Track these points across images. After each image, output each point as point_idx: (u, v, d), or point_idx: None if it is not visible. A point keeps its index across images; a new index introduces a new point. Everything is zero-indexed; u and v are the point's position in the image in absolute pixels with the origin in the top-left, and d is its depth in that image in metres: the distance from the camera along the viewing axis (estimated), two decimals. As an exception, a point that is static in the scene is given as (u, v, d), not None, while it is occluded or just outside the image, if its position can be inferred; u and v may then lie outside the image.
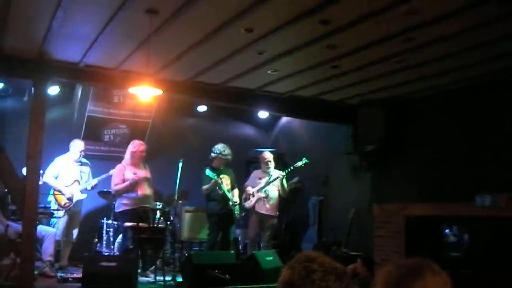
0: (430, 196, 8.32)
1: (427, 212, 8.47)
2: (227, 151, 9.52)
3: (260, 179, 9.87)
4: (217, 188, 9.27)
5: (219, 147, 9.52)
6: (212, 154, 9.51)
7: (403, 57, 6.96)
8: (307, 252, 1.97)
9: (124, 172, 9.09)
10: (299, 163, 9.64)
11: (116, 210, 9.05)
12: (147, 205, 9.02)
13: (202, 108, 11.20)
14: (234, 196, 9.57)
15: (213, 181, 9.21)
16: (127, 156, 9.29)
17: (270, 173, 9.81)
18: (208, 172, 9.19)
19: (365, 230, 9.62)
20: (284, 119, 12.26)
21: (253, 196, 9.73)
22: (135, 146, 9.29)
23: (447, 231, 9.01)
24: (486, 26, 5.77)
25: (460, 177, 7.94)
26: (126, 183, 8.96)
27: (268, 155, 9.99)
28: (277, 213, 9.91)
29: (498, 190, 7.25)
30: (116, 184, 9.08)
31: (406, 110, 8.99)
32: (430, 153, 8.51)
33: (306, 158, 9.65)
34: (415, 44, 6.42)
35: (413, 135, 8.83)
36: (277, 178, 9.68)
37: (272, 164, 9.88)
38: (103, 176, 9.34)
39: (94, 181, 9.35)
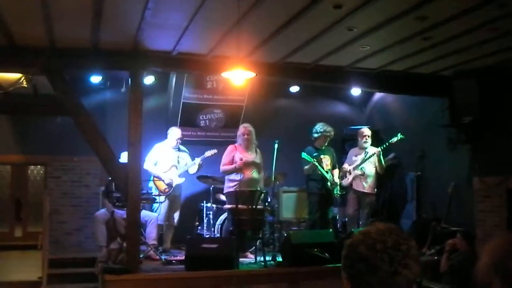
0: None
1: (530, 184, 8.23)
2: (329, 128, 9.56)
3: (356, 156, 9.83)
4: (316, 169, 9.33)
5: (321, 126, 9.56)
6: (315, 134, 9.56)
7: (496, 24, 6.72)
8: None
9: (234, 154, 9.22)
10: (394, 139, 9.51)
11: (224, 191, 9.28)
12: (253, 189, 9.12)
13: (294, 89, 11.26)
14: (334, 175, 9.58)
15: (310, 163, 9.28)
16: (238, 139, 9.42)
17: (366, 150, 9.74)
18: (304, 155, 9.25)
19: (465, 205, 9.42)
20: (378, 95, 12.11)
21: (350, 174, 9.70)
22: (240, 129, 9.41)
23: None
24: None
25: None
26: (232, 166, 9.11)
27: (366, 130, 9.94)
28: (375, 190, 9.83)
29: None
30: (224, 164, 9.23)
31: (502, 80, 8.69)
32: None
33: (401, 134, 9.52)
34: (509, 10, 6.20)
35: (511, 105, 8.54)
36: (373, 154, 9.60)
37: (369, 140, 9.81)
38: (199, 160, 9.52)
39: (196, 166, 9.55)
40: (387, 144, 9.61)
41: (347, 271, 1.94)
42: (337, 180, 9.57)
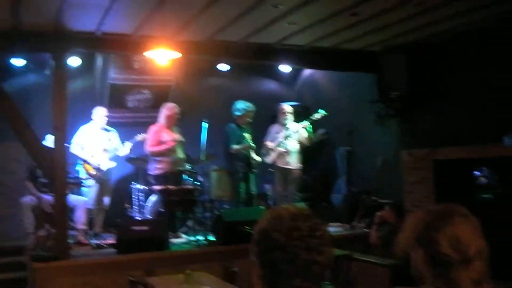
0: (458, 139, 8.21)
1: (455, 156, 8.40)
2: (250, 105, 9.54)
3: (278, 133, 9.83)
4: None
5: (242, 105, 9.52)
6: (237, 112, 9.51)
7: (423, -1, 6.82)
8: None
9: (161, 134, 9.10)
10: (317, 115, 9.57)
11: (151, 173, 9.15)
12: (181, 168, 9.06)
13: (224, 67, 11.15)
14: (252, 152, 9.61)
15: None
16: (161, 119, 9.31)
17: (287, 126, 9.76)
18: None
19: (394, 178, 9.59)
20: (307, 72, 12.16)
21: (273, 151, 9.71)
22: (170, 109, 9.31)
23: (477, 173, 8.94)
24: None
25: (487, 118, 7.82)
26: (164, 146, 9.01)
27: (286, 107, 9.92)
28: (300, 165, 9.89)
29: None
30: (151, 145, 9.13)
31: (430, 54, 8.83)
32: (456, 96, 8.38)
33: (328, 110, 9.59)
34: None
35: (438, 79, 8.69)
36: (297, 131, 9.64)
37: (290, 117, 9.83)
38: (130, 143, 9.37)
39: (127, 150, 9.38)
40: (310, 120, 9.62)
41: (259, 259, 1.91)
42: (256, 157, 9.59)
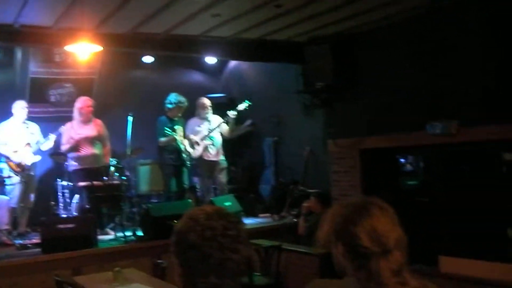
0: (384, 128, 8.36)
1: (381, 144, 8.56)
2: (183, 98, 9.46)
3: (199, 126, 9.78)
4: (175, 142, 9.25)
5: (175, 97, 9.43)
6: (169, 105, 9.42)
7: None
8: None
9: (71, 131, 8.96)
10: (242, 106, 9.59)
11: (69, 169, 9.00)
12: (95, 165, 8.91)
13: (148, 59, 10.98)
14: (186, 146, 9.52)
15: (171, 137, 9.19)
16: (75, 114, 9.14)
17: (209, 119, 9.74)
18: (166, 130, 9.13)
19: (321, 167, 9.70)
20: (233, 63, 12.14)
21: (198, 145, 9.66)
22: (81, 102, 9.16)
23: (402, 160, 9.15)
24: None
25: (412, 107, 7.97)
26: (68, 144, 8.88)
27: (206, 101, 9.90)
28: (224, 157, 9.91)
29: (451, 117, 7.30)
30: (63, 144, 9.03)
31: (355, 45, 8.94)
32: (381, 85, 8.51)
33: (252, 101, 9.61)
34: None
35: (363, 69, 8.81)
36: (220, 124, 9.63)
37: (210, 110, 9.80)
38: (54, 136, 9.12)
39: (50, 143, 9.11)
40: (235, 111, 9.62)
41: (177, 258, 1.98)
42: (190, 150, 9.52)
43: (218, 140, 9.73)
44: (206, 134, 9.60)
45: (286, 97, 10.27)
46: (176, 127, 9.41)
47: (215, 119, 9.75)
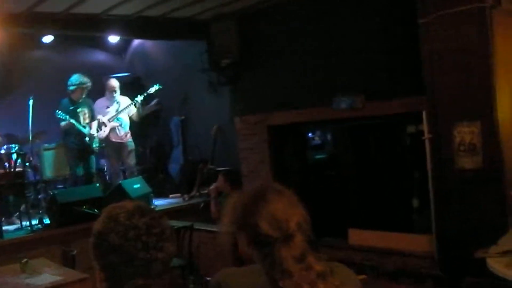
0: (291, 104, 8.41)
1: (288, 120, 8.62)
2: (86, 79, 9.13)
3: (108, 107, 9.56)
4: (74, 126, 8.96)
5: (77, 78, 9.09)
6: (71, 87, 9.07)
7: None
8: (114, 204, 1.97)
9: None
10: (152, 90, 9.44)
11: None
12: None
13: (48, 39, 10.54)
14: (93, 128, 9.26)
15: (67, 122, 8.88)
16: None
17: (118, 100, 9.54)
18: (60, 114, 8.82)
19: (230, 145, 9.70)
20: (137, 41, 11.88)
21: (105, 126, 9.44)
22: None
23: (310, 135, 9.28)
24: None
25: (318, 82, 8.04)
26: None
27: (113, 81, 9.64)
28: (132, 138, 9.71)
29: (357, 92, 7.43)
30: None
31: (260, 21, 8.92)
32: (286, 61, 8.54)
33: (161, 81, 9.48)
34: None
35: (269, 45, 8.81)
36: (129, 105, 9.44)
37: (117, 91, 9.59)
38: None
39: None
40: (145, 94, 9.45)
41: (99, 262, 1.86)
42: (94, 132, 9.26)
43: (126, 121, 9.52)
44: (114, 115, 9.38)
45: (192, 75, 10.18)
46: (79, 109, 9.11)
47: (124, 100, 9.53)
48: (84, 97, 9.24)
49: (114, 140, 9.44)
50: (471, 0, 5.14)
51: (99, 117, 9.40)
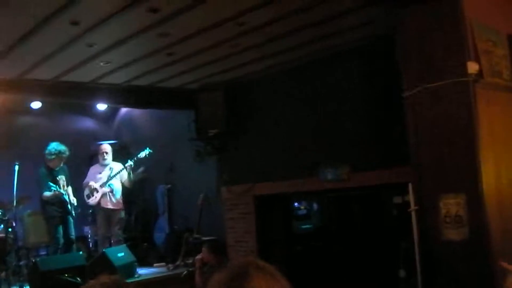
0: (277, 174, 8.45)
1: (274, 190, 8.64)
2: (64, 148, 9.08)
3: (100, 173, 9.55)
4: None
5: (55, 147, 9.04)
6: (50, 156, 9.02)
7: (236, 41, 7.00)
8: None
9: None
10: (143, 154, 9.44)
11: None
12: None
13: (36, 105, 10.58)
14: (70, 194, 9.18)
15: (56, 192, 8.81)
16: None
17: (109, 166, 9.53)
18: (52, 186, 8.77)
19: (216, 214, 9.65)
20: (125, 109, 11.96)
21: (97, 192, 9.40)
22: None
23: (296, 205, 9.28)
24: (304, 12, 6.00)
25: (304, 153, 8.11)
26: None
27: (105, 147, 9.67)
28: (123, 205, 9.64)
29: (342, 161, 7.47)
30: None
31: (247, 92, 9.07)
32: (273, 132, 8.64)
33: (150, 147, 9.48)
34: (248, 27, 6.47)
35: (255, 116, 8.93)
36: (121, 170, 9.42)
37: (109, 157, 9.59)
38: None
39: None
40: (135, 159, 9.46)
41: None
42: (73, 198, 9.17)
43: (118, 188, 9.47)
44: (106, 181, 9.34)
45: (179, 143, 10.21)
46: (58, 177, 9.05)
47: (116, 166, 9.52)
48: (61, 165, 9.18)
49: (105, 206, 9.38)
50: (455, 74, 5.24)
51: (91, 183, 9.38)
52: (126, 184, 9.54)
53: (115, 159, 9.73)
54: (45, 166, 9.02)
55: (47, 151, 9.00)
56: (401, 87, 5.73)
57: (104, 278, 1.89)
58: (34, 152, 9.89)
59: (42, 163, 9.06)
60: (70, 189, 9.21)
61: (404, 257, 6.88)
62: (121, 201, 9.52)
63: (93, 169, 9.69)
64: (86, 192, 9.45)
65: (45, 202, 8.94)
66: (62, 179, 9.08)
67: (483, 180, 5.00)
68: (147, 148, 9.43)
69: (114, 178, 9.40)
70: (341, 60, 7.74)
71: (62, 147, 9.05)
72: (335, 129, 7.64)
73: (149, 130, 11.44)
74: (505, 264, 2.90)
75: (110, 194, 9.37)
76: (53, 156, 8.99)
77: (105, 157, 9.53)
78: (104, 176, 9.42)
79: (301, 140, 8.15)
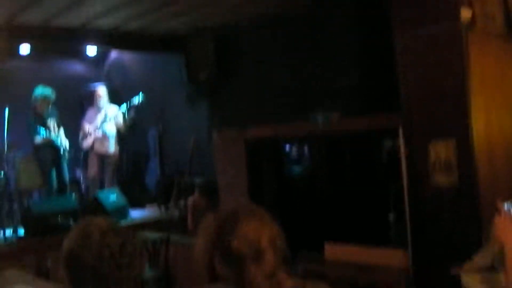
0: (268, 118, 8.45)
1: (265, 134, 8.64)
2: (49, 91, 9.04)
3: (95, 116, 9.56)
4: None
5: (40, 90, 9.00)
6: (36, 101, 8.97)
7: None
8: (86, 218, 1.96)
9: None
10: (136, 99, 9.42)
11: None
12: None
13: (25, 50, 10.46)
14: (61, 136, 9.19)
15: (47, 139, 8.80)
16: None
17: (104, 110, 9.52)
18: (42, 132, 8.75)
19: (207, 158, 9.70)
20: (115, 53, 11.85)
21: (90, 135, 9.42)
22: None
23: (287, 149, 9.33)
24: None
25: (296, 97, 8.10)
26: None
27: (99, 90, 9.67)
28: (117, 149, 9.68)
29: (333, 106, 7.49)
30: None
31: (238, 37, 8.99)
32: (264, 76, 8.60)
33: (142, 92, 9.47)
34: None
35: (246, 61, 8.87)
36: (114, 116, 9.42)
37: (104, 100, 9.57)
38: None
39: None
40: (128, 104, 9.44)
41: (68, 278, 1.89)
42: (64, 140, 9.19)
43: (111, 132, 9.48)
44: (99, 125, 9.35)
45: (170, 87, 10.19)
46: (48, 120, 9.02)
47: (112, 110, 9.51)
48: (50, 109, 9.14)
49: (98, 150, 9.42)
50: (447, 20, 5.23)
51: (86, 126, 9.38)
52: (121, 128, 9.55)
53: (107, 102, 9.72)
54: (34, 112, 9.00)
55: (32, 97, 8.97)
56: (392, 33, 5.72)
57: (100, 221, 1.92)
58: (23, 97, 9.86)
59: (31, 110, 9.04)
60: (62, 132, 9.22)
61: (394, 202, 6.99)
62: (114, 145, 9.54)
63: (89, 112, 9.70)
64: (80, 135, 9.47)
65: (38, 147, 8.97)
66: (52, 122, 9.07)
67: (473, 127, 5.05)
68: (141, 93, 9.41)
69: (108, 122, 9.40)
70: (332, 6, 7.66)
71: (47, 90, 9.00)
72: (326, 75, 7.62)
73: (140, 74, 11.37)
74: (499, 203, 2.98)
75: (103, 138, 9.39)
76: (39, 101, 8.95)
77: (100, 101, 9.51)
78: (98, 120, 9.42)
79: (293, 85, 8.14)
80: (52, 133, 8.94)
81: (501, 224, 2.92)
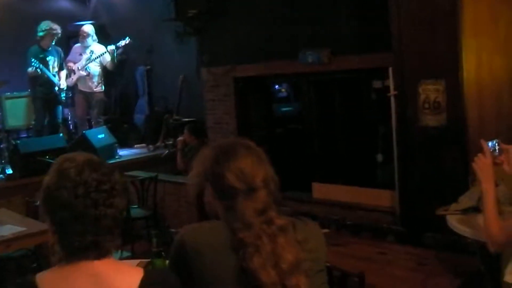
0: (257, 56, 8.34)
1: (254, 72, 8.57)
2: (55, 26, 8.90)
3: (81, 54, 9.41)
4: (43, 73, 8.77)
5: (46, 24, 8.85)
6: (40, 33, 8.84)
7: None
8: (66, 154, 1.92)
9: None
10: (122, 42, 9.26)
11: None
12: None
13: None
14: (62, 78, 9.10)
15: (35, 69, 8.67)
16: None
17: (90, 49, 9.37)
18: (33, 61, 8.61)
19: (195, 96, 9.63)
20: (103, -12, 11.64)
21: (74, 73, 9.29)
22: None
23: (276, 87, 9.28)
24: None
25: (285, 35, 7.97)
26: None
27: (86, 28, 9.48)
28: (103, 88, 9.57)
29: (323, 44, 7.40)
30: None
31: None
32: (254, 13, 8.43)
33: (128, 30, 9.35)
34: None
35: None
36: (101, 55, 9.28)
37: (90, 39, 9.41)
38: None
39: None
40: (115, 46, 9.28)
41: (48, 216, 1.84)
42: (63, 82, 9.11)
43: (96, 71, 9.34)
44: (84, 64, 9.22)
45: (158, 24, 9.98)
46: (49, 57, 8.91)
47: (98, 49, 9.36)
48: (53, 45, 9.05)
49: (83, 89, 9.32)
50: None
51: (70, 64, 9.27)
52: (109, 66, 9.42)
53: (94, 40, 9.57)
54: (38, 45, 8.88)
55: (38, 29, 8.83)
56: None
57: (77, 157, 1.86)
58: (10, 35, 9.71)
59: (35, 43, 8.91)
60: (63, 73, 9.12)
61: (382, 142, 7.00)
62: (99, 83, 9.43)
63: (76, 49, 9.55)
64: (66, 72, 9.34)
65: (33, 82, 8.87)
66: (52, 60, 8.95)
67: (464, 68, 5.01)
68: (127, 37, 9.25)
69: (92, 60, 9.27)
70: None
71: (54, 25, 8.88)
72: (317, 12, 7.49)
73: (127, 11, 11.14)
74: (483, 142, 2.98)
75: (87, 77, 9.27)
76: (43, 33, 8.81)
77: (86, 39, 9.36)
78: (84, 58, 9.29)
79: (283, 22, 7.99)
80: (48, 71, 8.81)
81: (481, 163, 2.93)
